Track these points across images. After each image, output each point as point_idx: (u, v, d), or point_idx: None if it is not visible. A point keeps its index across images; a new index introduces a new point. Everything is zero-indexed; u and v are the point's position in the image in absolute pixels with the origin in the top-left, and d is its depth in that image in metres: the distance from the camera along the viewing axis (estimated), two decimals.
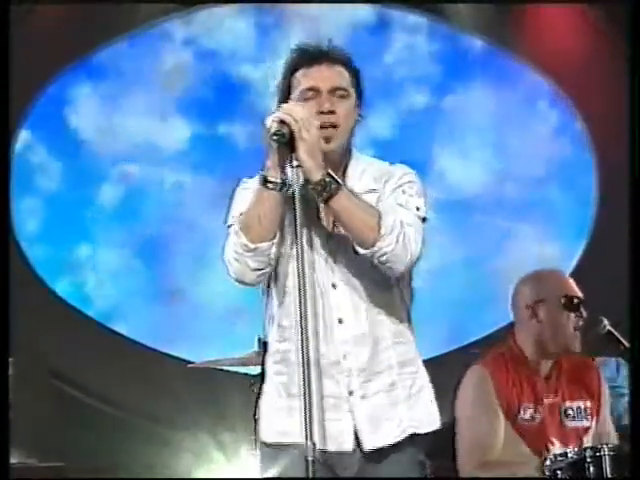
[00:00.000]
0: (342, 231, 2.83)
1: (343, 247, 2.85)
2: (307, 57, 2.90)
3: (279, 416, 2.90)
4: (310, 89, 2.87)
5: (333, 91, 2.87)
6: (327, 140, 2.82)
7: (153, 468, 6.36)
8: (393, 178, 2.90)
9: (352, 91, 2.91)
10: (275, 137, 2.71)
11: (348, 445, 2.83)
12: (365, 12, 7.30)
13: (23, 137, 6.97)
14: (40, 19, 6.89)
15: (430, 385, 2.95)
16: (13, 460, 5.38)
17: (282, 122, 2.72)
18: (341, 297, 2.85)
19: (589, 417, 3.86)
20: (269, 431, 2.92)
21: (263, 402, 2.97)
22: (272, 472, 2.89)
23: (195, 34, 7.25)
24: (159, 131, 7.13)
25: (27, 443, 5.82)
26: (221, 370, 5.49)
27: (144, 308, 6.99)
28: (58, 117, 7.06)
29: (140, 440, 6.48)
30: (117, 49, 7.11)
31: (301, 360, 2.64)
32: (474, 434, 3.73)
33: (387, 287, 2.89)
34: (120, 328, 6.90)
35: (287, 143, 2.72)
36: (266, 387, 2.97)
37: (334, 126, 2.84)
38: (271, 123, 2.73)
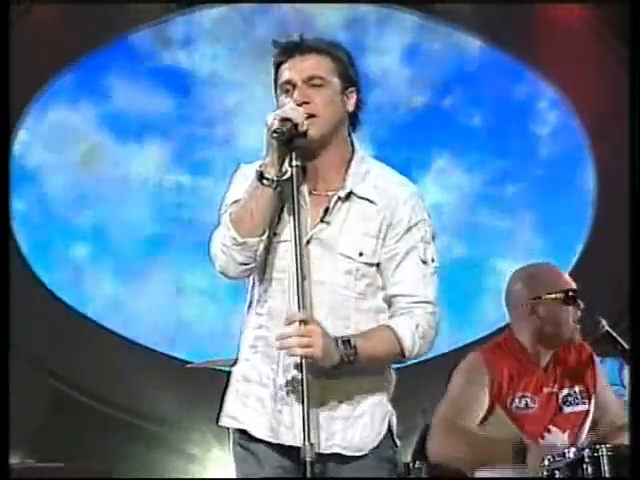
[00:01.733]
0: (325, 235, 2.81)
1: (326, 244, 2.81)
2: (284, 51, 2.87)
3: (231, 400, 2.89)
4: (287, 82, 2.83)
5: (308, 81, 2.82)
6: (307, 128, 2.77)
7: (152, 468, 6.37)
8: (404, 219, 2.81)
9: (333, 79, 2.84)
10: (275, 135, 2.70)
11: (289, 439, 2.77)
12: (363, 11, 7.31)
13: (21, 137, 6.97)
14: (37, 19, 6.89)
15: (379, 414, 2.85)
16: (13, 460, 5.39)
17: (283, 120, 2.71)
18: (313, 289, 2.78)
19: (585, 400, 3.85)
20: (222, 415, 2.89)
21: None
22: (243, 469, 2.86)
23: (194, 36, 7.26)
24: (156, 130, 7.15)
25: (27, 443, 5.82)
26: (219, 370, 5.48)
27: (143, 308, 6.98)
28: (56, 117, 7.06)
29: (139, 440, 6.48)
30: (115, 49, 7.12)
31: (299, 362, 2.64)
32: (453, 397, 3.74)
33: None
34: (119, 328, 6.90)
35: (286, 141, 2.71)
36: (233, 371, 2.93)
37: (312, 115, 2.78)
38: (272, 121, 2.72)
